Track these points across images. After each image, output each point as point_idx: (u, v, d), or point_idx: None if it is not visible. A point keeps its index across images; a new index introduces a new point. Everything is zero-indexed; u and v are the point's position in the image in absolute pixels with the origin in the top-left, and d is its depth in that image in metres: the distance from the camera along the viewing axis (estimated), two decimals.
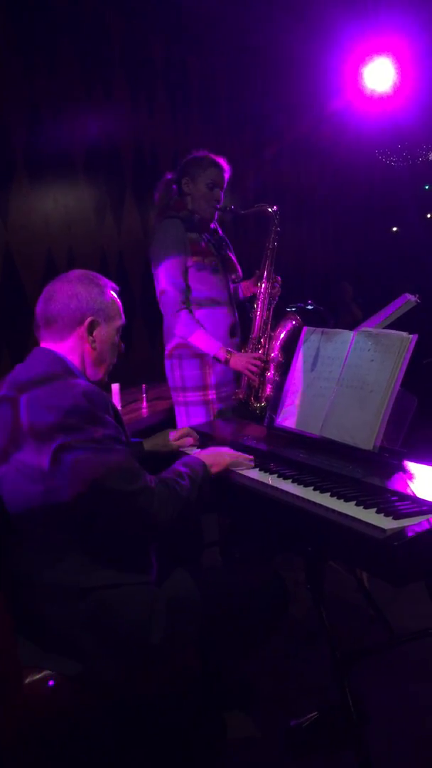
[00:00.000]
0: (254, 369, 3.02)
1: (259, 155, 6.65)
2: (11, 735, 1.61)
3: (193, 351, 3.11)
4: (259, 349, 3.08)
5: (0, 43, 3.74)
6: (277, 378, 3.00)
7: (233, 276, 3.28)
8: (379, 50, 5.84)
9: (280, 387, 2.53)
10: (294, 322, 3.02)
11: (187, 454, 2.21)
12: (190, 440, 2.49)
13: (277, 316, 3.15)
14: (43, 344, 1.88)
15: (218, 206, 3.16)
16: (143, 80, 5.00)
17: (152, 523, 1.74)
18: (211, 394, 3.16)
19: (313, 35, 5.35)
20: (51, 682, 1.67)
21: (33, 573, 1.70)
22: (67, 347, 1.85)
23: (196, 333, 3.03)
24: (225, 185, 3.18)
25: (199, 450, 2.30)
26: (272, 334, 3.08)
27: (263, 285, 3.13)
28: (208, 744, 2.01)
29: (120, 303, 1.97)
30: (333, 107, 6.58)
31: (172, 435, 2.47)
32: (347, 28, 5.27)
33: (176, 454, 2.41)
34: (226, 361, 3.04)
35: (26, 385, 1.72)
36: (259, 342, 3.09)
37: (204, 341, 3.04)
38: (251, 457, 2.21)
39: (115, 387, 3.42)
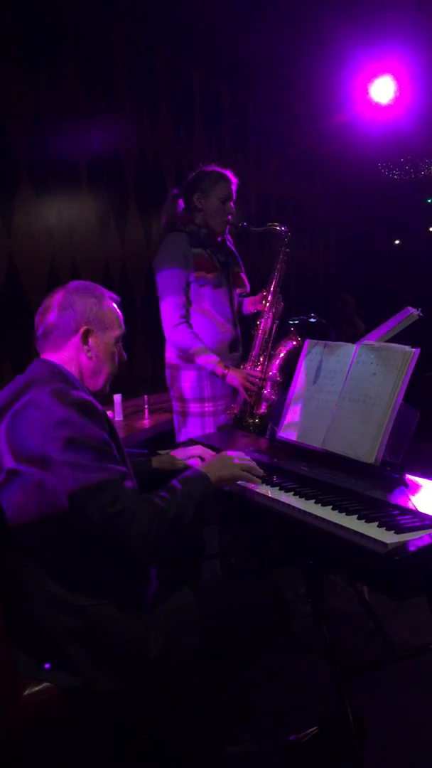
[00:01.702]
0: (249, 386, 3.02)
1: (262, 168, 6.68)
2: (9, 746, 1.60)
3: (191, 363, 3.13)
4: (257, 367, 3.08)
5: (5, 56, 3.77)
6: (273, 396, 3.01)
7: (240, 290, 3.31)
8: (382, 68, 5.89)
9: (281, 400, 2.53)
10: (295, 342, 3.03)
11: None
12: (197, 461, 2.33)
13: (279, 330, 3.16)
14: (42, 355, 1.88)
15: (230, 218, 3.19)
16: (147, 92, 5.04)
17: (130, 546, 1.67)
18: (208, 407, 3.17)
19: (315, 49, 5.38)
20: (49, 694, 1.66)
21: (31, 586, 1.69)
22: (65, 357, 1.85)
23: (194, 347, 3.05)
24: (234, 197, 3.22)
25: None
26: (272, 352, 3.09)
27: (268, 303, 3.14)
28: (206, 758, 1.99)
29: (119, 313, 1.97)
30: (336, 122, 6.63)
31: (180, 454, 2.35)
32: (351, 46, 5.30)
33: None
34: (223, 376, 3.05)
35: (19, 395, 1.72)
36: (258, 360, 3.09)
37: (202, 356, 3.06)
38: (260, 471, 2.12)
39: (117, 398, 3.43)
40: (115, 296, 1.98)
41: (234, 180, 3.21)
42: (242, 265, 3.35)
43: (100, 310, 1.89)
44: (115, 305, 1.95)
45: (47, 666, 1.68)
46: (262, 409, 3.04)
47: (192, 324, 3.11)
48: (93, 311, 1.88)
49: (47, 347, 1.87)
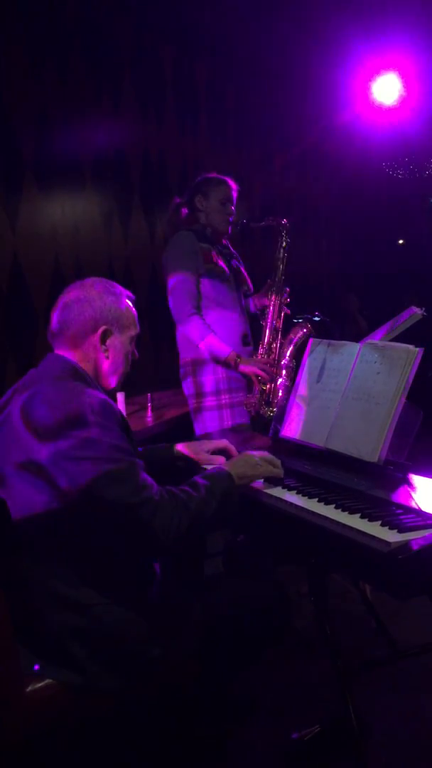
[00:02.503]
0: (263, 374, 3.05)
1: (267, 167, 6.67)
2: (11, 742, 1.60)
3: (206, 357, 3.15)
4: (270, 355, 3.11)
5: (10, 53, 3.77)
6: (288, 383, 3.03)
7: (244, 288, 3.35)
8: (386, 65, 5.87)
9: (286, 397, 2.53)
10: (305, 330, 3.05)
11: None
12: (221, 459, 2.27)
13: (285, 327, 3.19)
14: (57, 351, 1.87)
15: (231, 220, 3.24)
16: (152, 90, 5.03)
17: (153, 536, 1.66)
18: (225, 398, 3.19)
19: (320, 49, 5.38)
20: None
21: (34, 584, 1.68)
22: (80, 355, 1.84)
23: (207, 338, 3.08)
24: (234, 201, 3.28)
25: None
26: (283, 341, 3.12)
27: (273, 294, 3.18)
28: (208, 756, 2.00)
29: (135, 312, 1.97)
30: (340, 120, 6.61)
31: (208, 447, 2.32)
32: (355, 43, 5.30)
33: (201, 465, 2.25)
34: (236, 366, 3.08)
35: (34, 392, 1.71)
36: (270, 348, 3.13)
37: (215, 345, 3.09)
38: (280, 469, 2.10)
39: (120, 396, 3.43)
40: (131, 294, 1.96)
41: (234, 186, 3.27)
42: (243, 265, 3.41)
43: (118, 309, 1.88)
44: (130, 304, 1.95)
45: (36, 667, 1.67)
46: (279, 396, 3.06)
47: (203, 316, 3.14)
48: (112, 310, 1.86)
49: (62, 343, 1.86)
